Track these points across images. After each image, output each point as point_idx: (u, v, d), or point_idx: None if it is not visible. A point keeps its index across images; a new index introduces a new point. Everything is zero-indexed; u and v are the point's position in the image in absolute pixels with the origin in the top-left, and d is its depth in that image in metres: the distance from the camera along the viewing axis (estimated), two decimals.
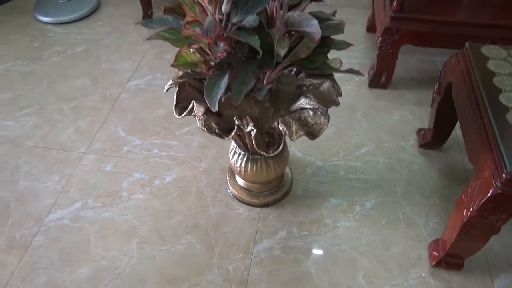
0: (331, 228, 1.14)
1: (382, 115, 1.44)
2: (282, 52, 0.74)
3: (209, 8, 0.74)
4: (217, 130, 0.85)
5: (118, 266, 1.07)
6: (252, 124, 0.81)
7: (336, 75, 0.97)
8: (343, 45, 0.87)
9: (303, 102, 0.88)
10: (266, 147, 0.85)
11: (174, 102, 0.89)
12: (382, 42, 1.39)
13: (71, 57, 1.73)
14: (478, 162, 0.86)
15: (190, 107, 0.85)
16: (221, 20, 0.76)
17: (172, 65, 0.73)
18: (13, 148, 1.37)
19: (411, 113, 1.45)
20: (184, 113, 0.86)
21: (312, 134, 0.85)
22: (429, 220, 1.15)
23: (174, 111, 0.89)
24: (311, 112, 0.87)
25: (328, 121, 0.86)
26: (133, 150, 1.35)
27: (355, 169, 1.28)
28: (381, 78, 1.52)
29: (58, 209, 1.20)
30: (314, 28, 0.71)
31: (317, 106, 0.86)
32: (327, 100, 0.87)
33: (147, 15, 1.89)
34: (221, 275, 1.05)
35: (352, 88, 1.55)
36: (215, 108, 0.74)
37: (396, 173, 1.27)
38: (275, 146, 0.85)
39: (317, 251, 1.09)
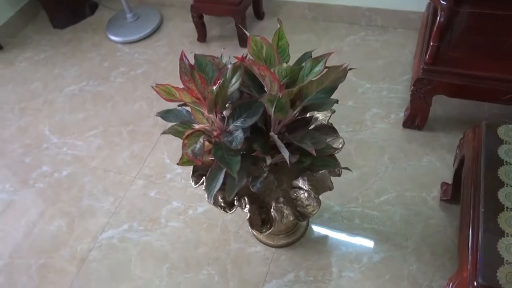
0: (335, 277, 1.24)
1: (410, 160, 1.45)
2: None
3: (211, 116, 0.86)
4: (222, 204, 0.99)
5: (152, 287, 1.29)
6: (248, 208, 0.93)
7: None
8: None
9: (301, 182, 0.98)
10: (260, 226, 0.97)
11: (191, 171, 1.04)
12: (414, 90, 1.38)
13: (133, 79, 1.95)
14: (461, 257, 0.90)
15: (201, 181, 0.99)
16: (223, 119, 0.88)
17: (178, 163, 0.87)
18: (81, 167, 1.64)
19: (441, 159, 1.44)
20: (198, 184, 1.01)
21: (304, 215, 0.95)
22: (433, 281, 1.19)
23: (191, 179, 1.04)
24: (306, 194, 0.96)
25: (319, 206, 0.95)
26: (175, 178, 1.55)
27: (371, 218, 1.34)
28: (415, 120, 1.51)
29: (110, 228, 1.45)
30: (286, 155, 0.79)
31: (310, 191, 0.95)
32: (321, 187, 0.96)
33: (202, 37, 2.03)
34: None
35: (385, 126, 1.57)
36: (210, 201, 0.87)
37: (411, 227, 1.30)
38: (268, 226, 0.97)
39: None
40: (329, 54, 0.78)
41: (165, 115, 0.95)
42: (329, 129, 1.06)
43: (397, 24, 1.93)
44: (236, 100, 0.88)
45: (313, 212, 0.95)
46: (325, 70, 0.79)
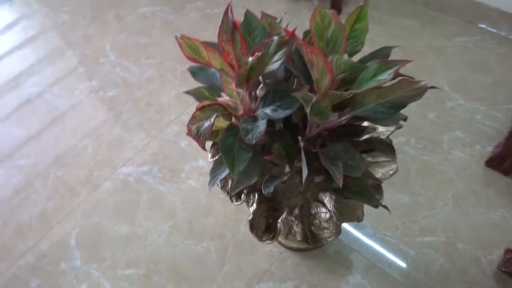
0: None
1: (479, 206, 1.19)
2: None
3: (240, 91, 0.69)
4: (227, 189, 0.84)
5: (148, 238, 1.23)
6: (253, 208, 0.78)
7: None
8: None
9: (327, 199, 0.80)
10: (262, 232, 0.82)
11: (212, 141, 0.90)
12: None
13: (207, 17, 1.81)
14: None
15: (217, 157, 0.85)
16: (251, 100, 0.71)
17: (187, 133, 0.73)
18: (126, 93, 1.58)
19: None
20: (213, 159, 0.87)
21: (315, 239, 0.78)
22: None
23: (209, 150, 0.90)
24: (328, 215, 0.78)
25: (337, 235, 0.77)
26: None
27: (404, 256, 1.13)
28: (504, 162, 1.22)
29: (130, 165, 1.39)
30: (304, 172, 0.61)
31: (333, 214, 0.77)
32: (347, 214, 0.77)
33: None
34: None
35: (464, 156, 1.29)
36: (210, 188, 0.73)
37: (448, 283, 1.08)
38: (271, 235, 0.81)
39: None
40: (405, 61, 0.56)
41: (197, 71, 0.80)
42: (385, 147, 0.85)
43: None
44: (277, 81, 0.70)
45: (328, 239, 0.78)
46: (395, 80, 0.57)
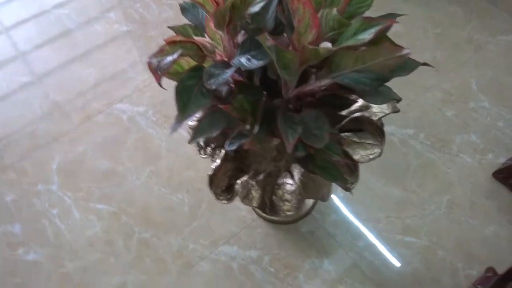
0: (297, 284, 1.03)
1: (473, 217, 1.10)
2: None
3: (218, 33, 0.63)
4: (201, 143, 0.79)
5: (126, 178, 1.21)
6: (216, 164, 0.73)
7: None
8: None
9: (295, 171, 0.74)
10: (221, 191, 0.76)
11: None
12: None
13: None
14: None
15: None
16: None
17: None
18: (140, 30, 1.53)
19: (509, 237, 1.06)
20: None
21: (274, 209, 0.73)
22: None
23: None
24: (293, 188, 0.73)
25: (297, 210, 0.72)
26: None
27: (378, 252, 1.06)
28: None
29: (127, 102, 1.36)
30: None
31: (298, 188, 0.71)
32: (312, 190, 0.71)
33: None
34: (180, 246, 1.10)
35: (472, 162, 1.18)
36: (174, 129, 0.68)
37: (416, 286, 1.02)
38: (229, 196, 0.76)
39: None
40: (390, 21, 0.48)
41: (188, 8, 0.74)
42: (375, 130, 0.77)
43: None
44: (259, 28, 0.63)
45: (287, 212, 0.72)
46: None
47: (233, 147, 0.67)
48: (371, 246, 1.07)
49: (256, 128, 0.55)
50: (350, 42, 0.49)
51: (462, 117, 1.27)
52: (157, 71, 0.57)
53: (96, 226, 1.14)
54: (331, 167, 0.63)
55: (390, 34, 0.63)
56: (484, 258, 1.04)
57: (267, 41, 0.51)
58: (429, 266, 1.04)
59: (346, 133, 0.79)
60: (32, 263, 1.09)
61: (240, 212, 1.14)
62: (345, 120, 0.79)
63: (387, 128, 1.26)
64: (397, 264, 1.04)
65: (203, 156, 0.79)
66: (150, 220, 1.14)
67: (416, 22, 1.52)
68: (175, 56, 0.57)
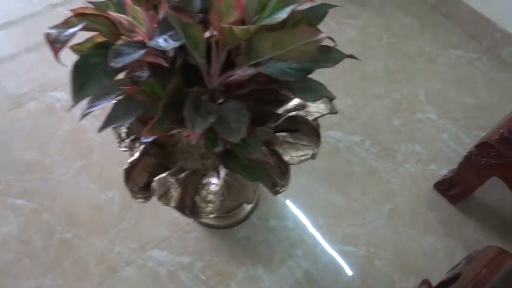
0: None
1: (412, 228, 1.08)
2: None
3: (137, 9, 0.56)
4: (122, 134, 0.72)
5: (53, 172, 1.11)
6: (135, 157, 0.66)
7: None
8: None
9: (222, 170, 0.68)
10: (139, 189, 0.69)
11: None
12: (472, 154, 0.97)
13: None
14: None
15: None
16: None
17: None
18: None
19: (448, 253, 1.05)
20: None
21: (194, 211, 0.67)
22: None
23: None
24: (216, 188, 0.67)
25: (219, 212, 0.65)
26: None
27: (315, 260, 1.02)
28: (452, 189, 1.10)
29: (64, 90, 1.26)
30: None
31: (222, 188, 0.65)
32: (236, 192, 0.65)
33: None
34: (104, 249, 1.01)
35: (415, 173, 1.17)
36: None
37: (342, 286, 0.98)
38: (146, 195, 0.69)
39: None
40: (306, 1, 0.43)
41: None
42: (310, 130, 0.72)
43: None
44: (179, 7, 0.57)
45: (209, 214, 0.66)
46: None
47: (149, 139, 0.61)
48: (309, 254, 1.03)
49: (159, 113, 0.49)
50: (266, 21, 0.44)
51: (409, 127, 1.27)
52: (55, 43, 0.50)
53: (12, 223, 1.03)
54: (254, 166, 0.58)
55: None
56: (421, 269, 1.02)
57: (170, 12, 0.45)
58: (366, 277, 1.01)
59: (281, 133, 0.75)
60: None
61: (174, 214, 1.06)
62: (281, 119, 0.75)
63: (333, 134, 1.23)
64: (334, 274, 1.00)
65: (123, 149, 0.72)
66: (74, 218, 1.05)
67: (372, 30, 1.51)
68: (78, 28, 0.50)
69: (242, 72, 0.54)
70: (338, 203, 1.11)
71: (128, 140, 0.68)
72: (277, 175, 0.70)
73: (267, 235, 1.05)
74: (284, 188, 0.70)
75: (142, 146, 0.67)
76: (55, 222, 1.04)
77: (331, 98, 0.66)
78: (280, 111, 0.75)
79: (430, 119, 1.29)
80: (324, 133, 1.23)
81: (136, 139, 0.68)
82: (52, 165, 1.12)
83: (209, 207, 0.66)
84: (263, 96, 0.64)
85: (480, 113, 1.31)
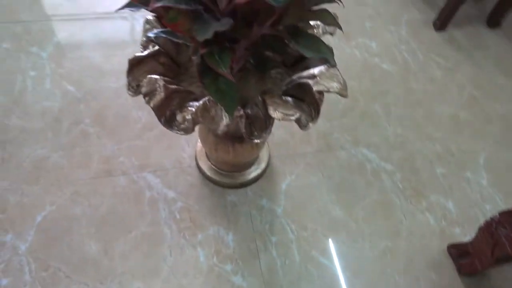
0: (192, 243, 0.98)
1: (401, 276, 0.98)
2: None
3: None
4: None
5: (105, 79, 1.23)
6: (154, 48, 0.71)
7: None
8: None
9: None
10: (137, 84, 0.73)
11: None
12: (494, 221, 0.85)
13: None
14: None
15: None
16: None
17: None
18: None
19: None
20: None
21: (168, 124, 0.69)
22: None
23: None
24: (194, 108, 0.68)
25: (187, 134, 0.68)
26: None
27: (286, 255, 0.98)
28: (464, 257, 0.97)
29: None
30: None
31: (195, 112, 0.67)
32: (209, 121, 0.67)
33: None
34: (111, 153, 1.09)
35: (432, 224, 1.06)
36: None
37: None
38: (136, 88, 0.73)
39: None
40: None
41: None
42: (311, 101, 0.71)
43: None
44: None
45: (179, 132, 0.68)
46: None
47: (156, 33, 0.65)
48: (282, 246, 0.99)
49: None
50: None
51: (450, 181, 1.15)
52: None
53: (56, 101, 1.17)
54: (227, 91, 0.59)
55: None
56: None
57: None
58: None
59: (287, 97, 0.74)
60: None
61: (182, 153, 1.11)
62: (292, 83, 0.74)
63: (367, 153, 1.17)
64: (298, 277, 0.95)
65: (140, 49, 0.77)
66: (103, 119, 1.15)
67: (458, 76, 1.41)
68: None
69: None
70: (336, 216, 1.05)
71: (145, 37, 0.74)
72: (258, 127, 0.70)
73: (252, 210, 1.04)
74: (258, 140, 0.69)
75: (155, 48, 0.72)
76: (86, 115, 1.15)
77: (332, 65, 0.64)
78: (294, 76, 0.75)
79: (479, 183, 1.15)
80: (357, 148, 1.18)
81: (151, 41, 0.74)
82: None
83: (183, 125, 0.69)
84: (271, 42, 0.65)
85: None
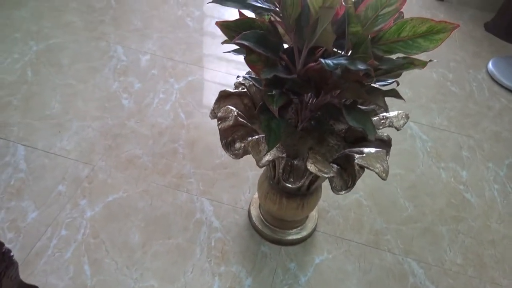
0: (214, 271, 1.05)
1: None
2: None
3: None
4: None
5: None
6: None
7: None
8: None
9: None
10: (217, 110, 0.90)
11: None
12: None
13: None
14: None
15: None
16: None
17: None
18: None
19: None
20: None
21: (227, 148, 0.83)
22: None
23: None
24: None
25: (237, 158, 0.80)
26: None
27: None
28: None
29: None
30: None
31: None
32: (255, 152, 0.78)
33: None
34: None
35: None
36: None
37: None
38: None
39: None
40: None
41: None
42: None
43: None
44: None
45: (232, 155, 0.81)
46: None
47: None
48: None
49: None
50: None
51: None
52: None
53: (167, 121, 1.43)
54: (273, 124, 0.71)
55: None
56: None
57: None
58: None
59: (332, 164, 0.82)
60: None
61: (241, 196, 1.22)
62: (341, 154, 0.83)
63: (414, 265, 1.12)
64: None
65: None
66: (194, 145, 1.35)
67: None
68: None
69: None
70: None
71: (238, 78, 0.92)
72: (295, 175, 0.79)
73: (278, 268, 1.07)
74: (291, 186, 0.78)
75: (243, 89, 0.89)
76: (183, 138, 1.37)
77: (368, 136, 0.71)
78: (347, 150, 0.84)
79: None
80: (406, 258, 1.14)
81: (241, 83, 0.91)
82: None
83: (236, 152, 0.82)
84: (330, 110, 0.76)
85: None
